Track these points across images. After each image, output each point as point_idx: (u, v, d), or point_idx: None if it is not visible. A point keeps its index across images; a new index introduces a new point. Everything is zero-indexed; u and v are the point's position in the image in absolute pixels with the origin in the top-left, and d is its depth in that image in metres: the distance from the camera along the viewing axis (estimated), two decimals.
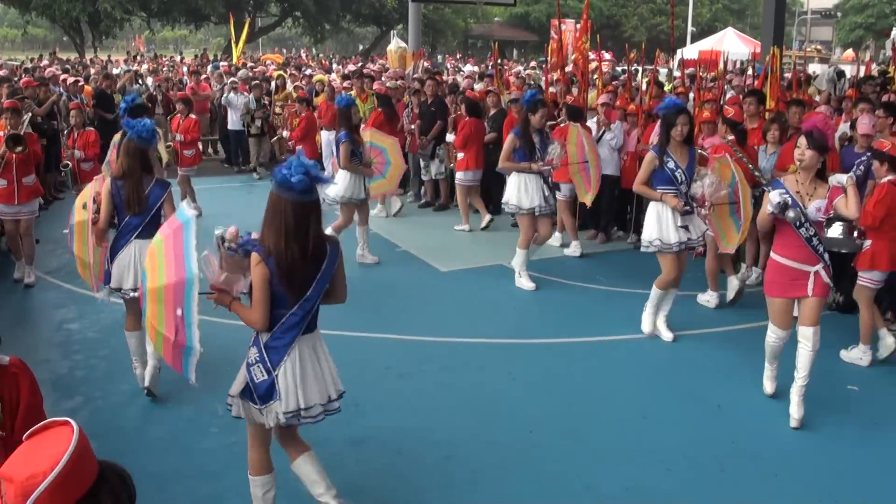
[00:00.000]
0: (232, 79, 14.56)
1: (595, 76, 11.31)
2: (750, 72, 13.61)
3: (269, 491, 3.67)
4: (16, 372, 2.51)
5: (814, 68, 22.26)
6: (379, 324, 6.49)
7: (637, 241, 9.06)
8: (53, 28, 49.80)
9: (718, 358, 5.88)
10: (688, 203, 5.97)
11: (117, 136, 6.39)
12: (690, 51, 28.76)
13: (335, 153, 12.69)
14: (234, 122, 13.51)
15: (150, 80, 16.05)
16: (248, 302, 3.46)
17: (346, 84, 13.51)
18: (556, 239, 8.96)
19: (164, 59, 28.70)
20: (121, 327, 5.40)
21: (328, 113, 12.44)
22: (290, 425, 3.57)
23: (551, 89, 11.17)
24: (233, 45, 25.73)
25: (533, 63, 26.77)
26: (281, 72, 17.73)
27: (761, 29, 19.91)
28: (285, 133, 11.64)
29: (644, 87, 12.69)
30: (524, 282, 7.45)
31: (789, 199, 4.61)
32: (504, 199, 7.45)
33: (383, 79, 14.21)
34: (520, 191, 7.21)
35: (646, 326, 6.30)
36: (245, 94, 13.53)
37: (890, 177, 5.60)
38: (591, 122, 9.01)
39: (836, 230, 5.00)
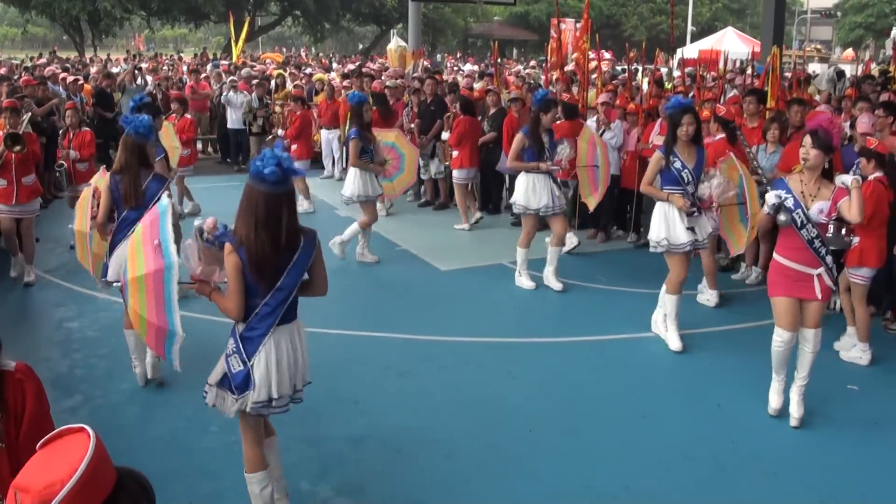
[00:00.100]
0: (231, 77, 14.55)
1: (595, 75, 11.30)
2: (749, 71, 13.60)
3: (266, 487, 3.68)
4: (21, 378, 2.43)
5: (813, 68, 22.27)
6: (379, 323, 6.49)
7: (637, 240, 9.09)
8: (53, 27, 49.74)
9: (718, 357, 5.87)
10: (694, 204, 5.89)
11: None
12: (690, 50, 28.77)
13: (334, 152, 12.86)
14: (233, 120, 13.51)
15: (149, 79, 16.02)
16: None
17: (345, 83, 13.52)
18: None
19: (164, 57, 28.66)
20: (120, 326, 5.41)
21: (328, 112, 12.47)
22: (260, 415, 3.58)
23: (551, 89, 11.16)
24: (232, 44, 25.72)
25: (533, 62, 26.77)
26: (281, 71, 17.73)
27: (761, 28, 19.93)
28: (280, 132, 11.65)
29: (645, 86, 12.70)
30: (524, 280, 7.45)
31: (785, 201, 4.56)
32: (512, 200, 7.42)
33: (383, 77, 14.22)
34: (528, 191, 7.16)
35: (657, 327, 6.25)
36: (245, 92, 13.53)
37: (877, 174, 5.61)
38: (591, 122, 9.01)
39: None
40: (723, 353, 5.94)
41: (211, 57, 27.11)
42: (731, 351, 5.98)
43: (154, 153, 5.65)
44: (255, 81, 13.98)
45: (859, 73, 14.47)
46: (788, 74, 12.45)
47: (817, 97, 11.64)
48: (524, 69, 21.42)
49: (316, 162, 13.71)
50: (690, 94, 10.58)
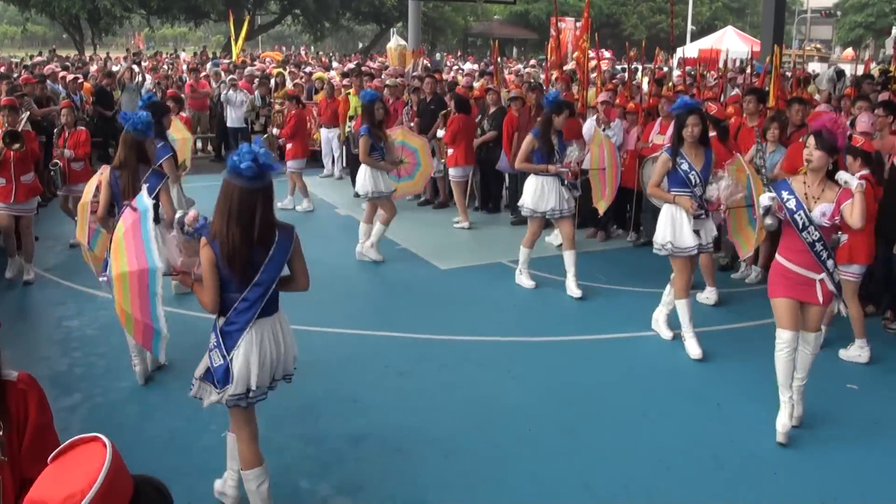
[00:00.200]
0: (231, 76, 14.54)
1: (594, 74, 11.31)
2: (748, 70, 13.61)
3: (263, 483, 3.70)
4: (24, 388, 2.34)
5: (813, 67, 22.28)
6: (378, 322, 6.49)
7: (637, 239, 9.09)
8: (53, 25, 49.77)
9: (718, 356, 5.87)
10: (702, 206, 5.80)
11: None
12: (690, 49, 28.79)
13: (334, 150, 12.86)
14: (233, 119, 13.50)
15: (148, 78, 16.01)
16: None
17: (345, 82, 13.52)
18: (555, 237, 8.96)
19: (163, 56, 28.64)
20: (120, 324, 5.40)
21: (328, 110, 12.47)
22: (237, 406, 3.61)
23: (551, 88, 11.16)
24: (232, 43, 25.69)
25: (533, 61, 26.76)
26: (280, 69, 17.72)
27: (761, 27, 19.94)
28: (275, 130, 11.66)
29: (645, 85, 12.70)
30: (524, 279, 7.44)
31: (787, 203, 4.46)
32: (520, 202, 7.33)
33: (383, 76, 14.22)
34: (536, 193, 7.08)
35: (657, 324, 6.25)
36: (245, 91, 13.54)
37: (863, 172, 5.59)
38: (591, 120, 9.01)
39: None
40: (723, 353, 5.93)
41: (211, 56, 27.10)
42: (731, 350, 5.98)
43: (153, 150, 5.68)
44: (257, 80, 13.99)
45: (859, 72, 14.45)
46: (790, 74, 12.45)
47: (817, 96, 11.64)
48: (524, 68, 21.43)
49: (315, 161, 13.73)
50: (690, 94, 10.61)
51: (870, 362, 5.77)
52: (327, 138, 12.82)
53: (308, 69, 19.49)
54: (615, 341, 6.23)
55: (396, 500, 4.07)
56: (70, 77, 13.63)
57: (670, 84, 11.99)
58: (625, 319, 6.55)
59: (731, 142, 7.52)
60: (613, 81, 13.11)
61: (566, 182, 7.16)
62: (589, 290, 7.28)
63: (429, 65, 17.75)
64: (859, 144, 5.71)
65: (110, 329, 6.12)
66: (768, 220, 4.54)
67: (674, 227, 5.82)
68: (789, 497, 4.15)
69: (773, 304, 4.65)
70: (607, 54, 24.91)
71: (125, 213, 4.16)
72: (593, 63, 12.43)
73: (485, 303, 7.09)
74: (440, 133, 10.13)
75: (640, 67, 20.83)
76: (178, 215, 3.64)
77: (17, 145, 7.02)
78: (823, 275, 4.52)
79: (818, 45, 37.79)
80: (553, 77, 12.03)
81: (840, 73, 15.86)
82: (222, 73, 15.87)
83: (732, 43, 25.69)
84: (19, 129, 7.23)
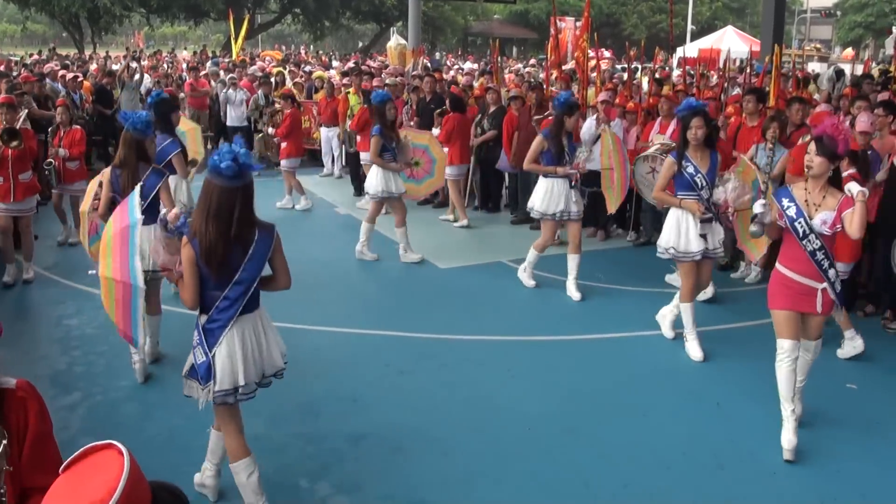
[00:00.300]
0: (230, 75, 14.54)
1: (594, 74, 11.31)
2: (748, 70, 13.60)
3: (253, 473, 3.74)
4: (23, 396, 2.27)
5: (813, 67, 22.28)
6: (378, 321, 6.49)
7: (636, 239, 9.09)
8: (53, 24, 49.73)
9: (718, 356, 5.86)
10: (709, 209, 5.73)
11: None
12: (690, 49, 28.78)
13: (334, 149, 12.86)
14: (232, 118, 13.50)
15: (147, 77, 15.99)
16: None
17: (345, 81, 13.52)
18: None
19: (163, 55, 28.63)
20: None
21: (327, 109, 12.46)
22: (225, 403, 3.65)
23: (552, 88, 11.16)
24: (232, 42, 25.69)
25: (532, 60, 26.76)
26: (280, 68, 17.72)
27: (761, 27, 19.94)
28: (270, 130, 11.68)
29: (645, 85, 12.69)
30: (525, 278, 7.41)
31: (787, 210, 4.37)
32: (529, 205, 7.29)
33: (383, 75, 14.21)
34: (545, 195, 7.03)
35: (663, 319, 6.22)
36: (244, 90, 13.54)
37: (851, 170, 5.57)
38: (591, 120, 9.00)
39: None
40: (722, 352, 5.93)
41: (210, 55, 27.09)
42: (731, 350, 5.97)
43: (153, 148, 5.73)
44: (259, 80, 14.01)
45: (858, 72, 14.45)
46: (789, 73, 12.45)
47: (817, 96, 11.64)
48: (524, 67, 21.43)
49: (315, 160, 13.73)
50: (690, 93, 10.61)
51: (870, 361, 5.77)
52: (327, 137, 12.82)
53: (308, 68, 19.48)
54: (615, 341, 6.22)
55: (396, 499, 4.07)
56: (70, 76, 13.61)
57: (671, 84, 11.99)
58: (625, 319, 6.55)
59: (720, 142, 7.44)
60: (613, 80, 13.10)
61: (574, 184, 7.07)
62: (589, 289, 7.27)
63: (429, 64, 17.74)
64: None
65: (110, 328, 6.06)
66: (753, 228, 4.49)
67: (679, 232, 5.76)
68: (788, 497, 4.15)
69: (773, 315, 4.53)
70: (607, 54, 24.93)
71: (116, 211, 4.33)
72: (593, 62, 12.42)
73: (485, 302, 7.08)
74: (435, 132, 10.14)
75: (639, 67, 20.84)
76: (161, 213, 3.74)
77: (15, 143, 7.01)
78: (825, 284, 4.40)
79: (818, 45, 37.81)
80: (553, 76, 12.03)
81: (839, 73, 15.88)
82: (221, 73, 15.85)
83: (732, 43, 25.67)
84: (17, 127, 7.21)
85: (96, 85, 13.88)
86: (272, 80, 14.69)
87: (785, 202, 4.43)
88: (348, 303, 7.02)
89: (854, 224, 4.20)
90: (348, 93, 12.19)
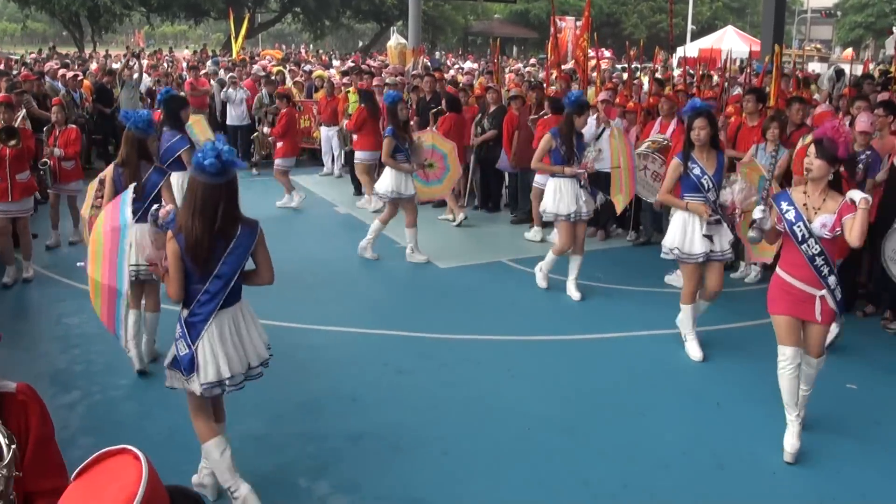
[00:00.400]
0: (230, 74, 14.54)
1: (594, 73, 11.31)
2: (748, 70, 13.60)
3: (225, 450, 3.78)
4: (24, 399, 2.21)
5: (813, 67, 22.28)
6: (377, 320, 6.48)
7: (636, 239, 9.09)
8: (53, 22, 49.67)
9: (718, 356, 5.86)
10: (716, 211, 5.65)
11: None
12: (690, 49, 28.78)
13: (334, 149, 12.86)
14: (233, 117, 13.50)
15: (146, 77, 15.98)
16: None
17: (345, 80, 13.52)
18: (536, 233, 8.96)
19: (163, 53, 28.61)
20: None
21: (327, 109, 12.47)
22: (213, 395, 3.73)
23: (552, 87, 11.17)
24: (232, 41, 25.67)
25: (533, 60, 26.75)
26: (280, 67, 17.71)
27: (761, 27, 19.93)
28: (266, 129, 11.68)
29: (645, 84, 12.69)
30: (540, 278, 7.33)
31: (786, 214, 4.32)
32: (541, 208, 7.20)
33: (383, 75, 14.21)
34: (555, 196, 6.94)
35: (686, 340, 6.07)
36: (245, 89, 13.53)
37: (839, 168, 5.54)
38: (591, 119, 8.99)
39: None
40: (722, 352, 5.93)
41: (210, 54, 27.08)
42: (731, 350, 5.97)
43: (155, 147, 5.78)
44: (263, 79, 14.03)
45: (857, 72, 14.46)
46: (789, 73, 12.44)
47: (816, 96, 11.64)
48: (524, 67, 21.42)
49: (315, 159, 13.73)
50: (690, 93, 10.61)
51: (870, 361, 5.77)
52: (327, 136, 12.82)
53: (308, 67, 19.47)
54: (615, 341, 6.22)
55: (395, 498, 4.06)
56: (70, 74, 13.60)
57: (671, 84, 11.99)
58: (625, 319, 6.54)
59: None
60: (613, 80, 13.10)
61: (583, 183, 6.99)
62: (589, 289, 7.27)
63: (429, 63, 17.74)
64: None
65: None
66: (751, 233, 4.47)
67: (684, 233, 5.70)
68: (788, 497, 4.15)
69: (774, 321, 4.49)
70: (607, 54, 24.92)
71: (108, 207, 4.41)
72: (593, 62, 12.42)
73: (484, 302, 7.08)
74: None
75: (639, 67, 20.83)
76: (152, 209, 3.80)
77: (13, 142, 6.98)
78: (824, 291, 4.31)
79: (818, 45, 37.79)
80: (553, 76, 12.02)
81: (840, 73, 15.88)
82: (220, 72, 15.85)
83: (732, 43, 25.69)
84: (16, 126, 7.19)
85: (96, 84, 13.88)
86: (273, 79, 14.68)
87: (784, 206, 4.38)
88: (348, 302, 7.02)
89: (854, 231, 4.12)
90: (348, 92, 12.19)
